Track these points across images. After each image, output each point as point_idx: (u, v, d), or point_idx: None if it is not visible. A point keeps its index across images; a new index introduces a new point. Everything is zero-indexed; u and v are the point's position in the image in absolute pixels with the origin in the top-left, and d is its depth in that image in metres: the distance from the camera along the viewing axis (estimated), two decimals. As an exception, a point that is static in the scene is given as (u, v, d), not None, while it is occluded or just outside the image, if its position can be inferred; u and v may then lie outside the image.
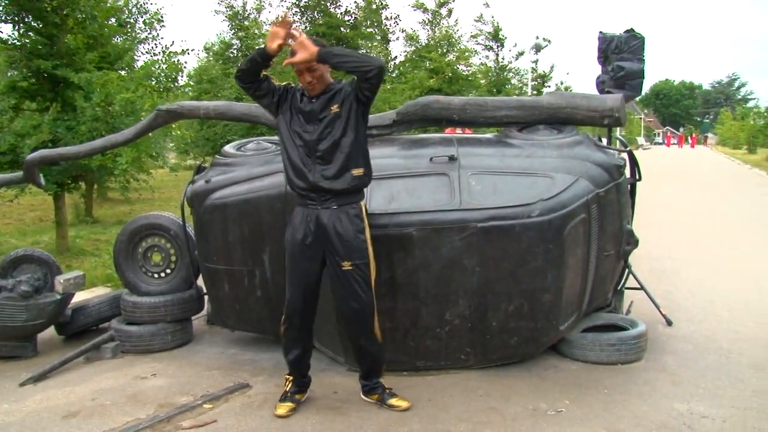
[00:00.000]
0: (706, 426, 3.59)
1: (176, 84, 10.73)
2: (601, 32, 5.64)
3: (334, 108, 3.67)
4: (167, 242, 5.22)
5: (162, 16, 13.71)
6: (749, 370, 4.43)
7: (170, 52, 10.24)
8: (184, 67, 10.19)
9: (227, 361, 4.78)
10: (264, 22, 21.56)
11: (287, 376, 3.98)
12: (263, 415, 3.81)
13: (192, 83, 21.09)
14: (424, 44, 23.76)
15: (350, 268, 3.69)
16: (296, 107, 3.75)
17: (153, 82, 9.85)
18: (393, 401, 3.86)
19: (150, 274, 5.23)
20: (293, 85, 3.87)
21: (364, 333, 3.84)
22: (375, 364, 3.94)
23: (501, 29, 27.63)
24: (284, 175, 3.83)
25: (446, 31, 24.51)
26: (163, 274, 5.24)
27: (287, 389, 3.94)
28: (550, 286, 4.17)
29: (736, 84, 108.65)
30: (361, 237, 3.72)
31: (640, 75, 5.36)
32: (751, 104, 72.94)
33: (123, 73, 10.17)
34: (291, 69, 4.05)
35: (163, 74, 9.97)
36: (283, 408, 3.82)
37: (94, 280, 7.29)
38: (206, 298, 5.30)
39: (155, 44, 13.37)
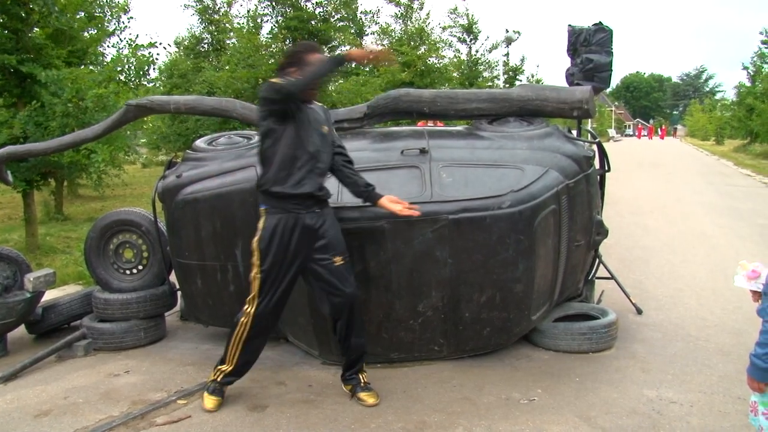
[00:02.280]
0: (675, 411, 3.67)
1: (147, 76, 10.58)
2: (570, 25, 5.70)
3: (325, 129, 3.81)
4: (139, 238, 5.17)
5: (128, 7, 13.46)
6: (716, 356, 4.53)
7: (136, 45, 10.11)
8: (155, 59, 10.03)
9: (201, 357, 4.76)
10: (234, 16, 21.39)
11: (222, 368, 3.89)
12: (237, 409, 3.81)
13: (163, 78, 20.87)
14: (397, 38, 23.72)
15: (342, 262, 3.79)
16: (302, 114, 3.69)
17: (122, 77, 9.72)
18: (362, 395, 3.86)
19: (122, 270, 5.18)
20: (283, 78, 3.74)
21: (355, 322, 3.85)
22: (360, 355, 3.94)
23: (476, 22, 27.67)
24: (270, 179, 3.70)
25: (419, 24, 24.49)
26: (135, 271, 5.19)
27: (218, 380, 3.89)
28: (522, 276, 4.22)
29: (704, 76, 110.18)
30: (341, 232, 3.86)
31: (608, 67, 5.43)
32: (718, 96, 74.18)
33: (91, 67, 10.01)
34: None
35: (132, 68, 9.83)
36: (213, 401, 3.82)
37: (65, 277, 7.21)
38: (179, 293, 5.28)
39: (121, 38, 13.18)
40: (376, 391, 3.91)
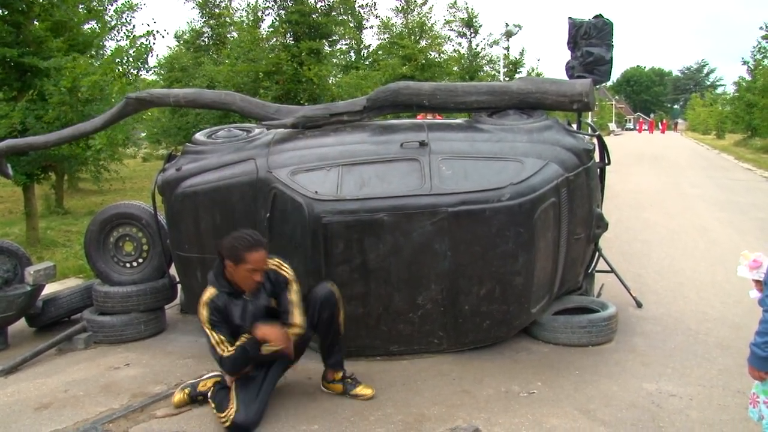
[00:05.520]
0: (674, 404, 3.67)
1: (146, 65, 10.55)
2: (570, 18, 5.69)
3: (273, 303, 3.69)
4: (139, 231, 5.18)
5: (136, 6, 13.43)
6: (715, 350, 4.53)
7: (134, 36, 10.07)
8: (152, 47, 9.96)
9: (201, 350, 4.74)
10: (235, 9, 21.38)
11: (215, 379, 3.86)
12: (237, 402, 3.81)
13: (163, 72, 20.87)
14: (397, 32, 23.73)
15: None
16: (240, 315, 3.61)
17: (121, 68, 9.69)
18: (357, 390, 3.85)
19: (122, 263, 5.18)
20: (211, 302, 3.61)
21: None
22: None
23: (476, 16, 27.69)
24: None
25: (420, 18, 24.50)
26: (135, 264, 5.20)
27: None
28: (521, 269, 4.21)
29: (705, 70, 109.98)
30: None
31: (608, 60, 5.42)
32: (719, 90, 74.07)
33: (91, 61, 9.98)
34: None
35: (131, 59, 9.79)
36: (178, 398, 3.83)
37: (65, 271, 7.22)
38: (179, 286, 5.28)
39: (121, 30, 13.15)
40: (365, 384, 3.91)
